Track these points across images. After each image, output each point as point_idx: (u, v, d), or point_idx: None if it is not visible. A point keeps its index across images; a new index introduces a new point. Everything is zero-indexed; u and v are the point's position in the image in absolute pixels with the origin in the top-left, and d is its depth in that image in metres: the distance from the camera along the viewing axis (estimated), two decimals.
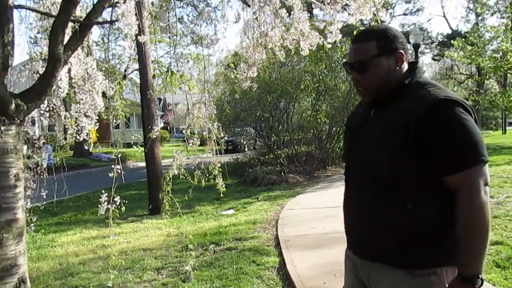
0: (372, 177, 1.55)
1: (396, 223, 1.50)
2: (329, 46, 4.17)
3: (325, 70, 12.16)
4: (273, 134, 12.89)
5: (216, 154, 4.37)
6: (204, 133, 4.03)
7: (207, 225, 6.61)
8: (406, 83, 1.56)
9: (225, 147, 4.50)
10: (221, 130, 4.92)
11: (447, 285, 1.47)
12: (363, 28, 3.97)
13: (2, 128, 2.59)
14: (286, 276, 4.16)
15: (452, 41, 18.36)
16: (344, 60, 13.62)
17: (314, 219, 6.25)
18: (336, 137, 12.49)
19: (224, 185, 4.34)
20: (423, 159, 1.45)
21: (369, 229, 1.59)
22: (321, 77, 12.10)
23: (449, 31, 32.69)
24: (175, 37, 6.73)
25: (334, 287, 3.70)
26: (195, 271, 4.30)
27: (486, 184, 1.43)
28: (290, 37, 4.27)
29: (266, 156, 13.21)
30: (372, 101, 1.63)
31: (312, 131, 12.55)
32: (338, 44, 11.24)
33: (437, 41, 32.86)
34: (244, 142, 16.32)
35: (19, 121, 2.72)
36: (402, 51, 1.57)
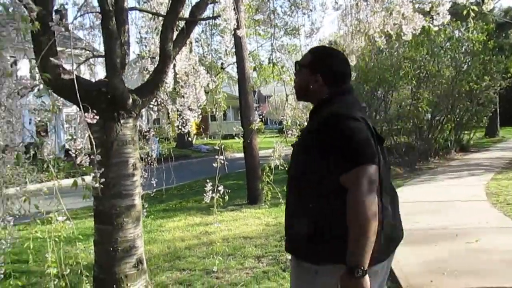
0: (292, 179, 1.79)
1: (305, 218, 1.68)
2: (436, 28, 3.93)
3: (426, 56, 11.46)
4: None
5: None
6: (305, 124, 4.01)
7: None
8: (323, 98, 1.80)
9: None
10: None
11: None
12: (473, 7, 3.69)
13: (122, 121, 2.83)
14: (390, 272, 4.02)
15: None
16: (448, 43, 12.78)
17: (417, 213, 5.94)
18: (439, 127, 11.74)
19: None
20: (323, 162, 1.65)
21: (288, 225, 1.81)
22: (422, 63, 11.43)
23: None
24: (271, 29, 6.80)
25: (442, 287, 3.50)
26: None
27: (371, 183, 1.57)
28: (391, 22, 4.08)
29: None
30: (298, 100, 2.04)
31: (412, 120, 11.93)
32: (441, 27, 10.53)
33: None
34: None
35: (135, 114, 2.95)
36: (320, 75, 1.81)
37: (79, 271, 3.48)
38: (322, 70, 1.81)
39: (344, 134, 1.63)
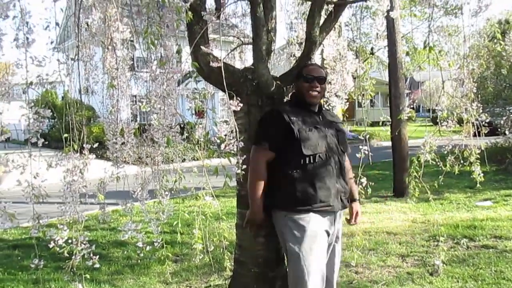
0: (340, 154, 2.65)
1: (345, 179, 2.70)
2: None
3: None
4: None
5: (474, 136, 3.83)
6: (463, 115, 3.56)
7: (458, 215, 5.98)
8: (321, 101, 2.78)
9: (486, 131, 3.90)
10: (481, 110, 4.31)
11: None
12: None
13: (266, 108, 2.83)
14: None
15: None
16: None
17: None
18: None
19: (481, 174, 3.78)
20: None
21: (345, 186, 2.67)
22: None
23: None
24: (429, 9, 6.18)
25: None
26: (444, 265, 3.93)
27: None
28: None
29: None
30: (317, 104, 2.69)
31: None
32: None
33: None
34: (505, 125, 14.17)
35: (278, 102, 2.93)
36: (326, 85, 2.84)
37: (222, 249, 3.68)
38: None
39: None
